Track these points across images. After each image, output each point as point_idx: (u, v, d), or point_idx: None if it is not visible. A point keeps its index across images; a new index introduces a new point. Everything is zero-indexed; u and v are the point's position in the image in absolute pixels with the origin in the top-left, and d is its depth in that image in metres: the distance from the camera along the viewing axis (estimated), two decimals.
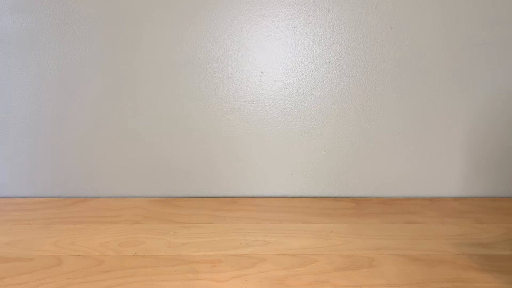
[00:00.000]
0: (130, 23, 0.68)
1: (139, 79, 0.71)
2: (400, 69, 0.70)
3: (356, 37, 0.69)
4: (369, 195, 0.77)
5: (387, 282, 0.53)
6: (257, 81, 0.71)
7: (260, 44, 0.69)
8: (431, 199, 0.75)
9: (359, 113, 0.73)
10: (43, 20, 0.68)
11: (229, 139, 0.74)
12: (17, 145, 0.74)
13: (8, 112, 0.73)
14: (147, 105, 0.72)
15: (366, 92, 0.71)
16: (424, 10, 0.67)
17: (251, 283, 0.52)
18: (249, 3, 0.68)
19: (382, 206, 0.73)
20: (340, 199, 0.76)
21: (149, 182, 0.77)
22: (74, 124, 0.73)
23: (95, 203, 0.73)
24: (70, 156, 0.75)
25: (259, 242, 0.62)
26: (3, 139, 0.74)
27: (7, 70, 0.70)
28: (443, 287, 0.52)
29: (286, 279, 0.53)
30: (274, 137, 0.74)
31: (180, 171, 0.76)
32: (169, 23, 0.68)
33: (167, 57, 0.70)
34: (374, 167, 0.76)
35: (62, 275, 0.54)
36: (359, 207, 0.72)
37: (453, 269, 0.55)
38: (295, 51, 0.70)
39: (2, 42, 0.69)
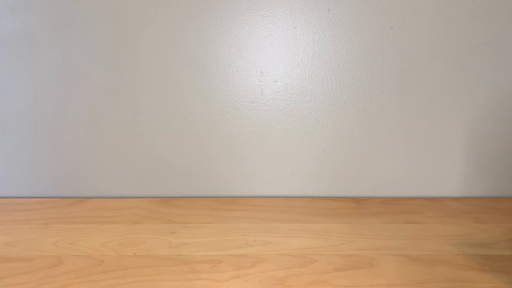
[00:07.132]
0: (130, 23, 0.68)
1: (139, 79, 0.71)
2: (400, 69, 0.70)
3: (356, 37, 0.69)
4: (369, 195, 0.77)
5: (387, 282, 0.53)
6: (257, 81, 0.71)
7: (260, 44, 0.69)
8: (431, 199, 0.75)
9: (359, 113, 0.73)
10: (43, 20, 0.68)
11: (229, 139, 0.74)
12: (17, 145, 0.74)
13: (8, 112, 0.72)
14: (147, 105, 0.72)
15: (366, 92, 0.71)
16: (424, 10, 0.67)
17: (251, 283, 0.52)
18: (249, 3, 0.68)
19: (382, 206, 0.73)
20: (340, 199, 0.76)
21: (149, 182, 0.77)
22: (74, 124, 0.73)
23: (95, 203, 0.73)
24: (70, 156, 0.75)
25: (259, 242, 0.62)
26: (3, 139, 0.74)
27: (7, 70, 0.70)
28: (443, 287, 0.52)
29: (286, 279, 0.53)
30: (274, 137, 0.74)
31: (180, 171, 0.76)
32: (169, 23, 0.68)
33: (167, 57, 0.70)
34: (374, 167, 0.76)
35: (62, 275, 0.54)
36: (359, 207, 0.72)
37: (453, 269, 0.55)
38: (295, 51, 0.70)
39: (2, 42, 0.69)
